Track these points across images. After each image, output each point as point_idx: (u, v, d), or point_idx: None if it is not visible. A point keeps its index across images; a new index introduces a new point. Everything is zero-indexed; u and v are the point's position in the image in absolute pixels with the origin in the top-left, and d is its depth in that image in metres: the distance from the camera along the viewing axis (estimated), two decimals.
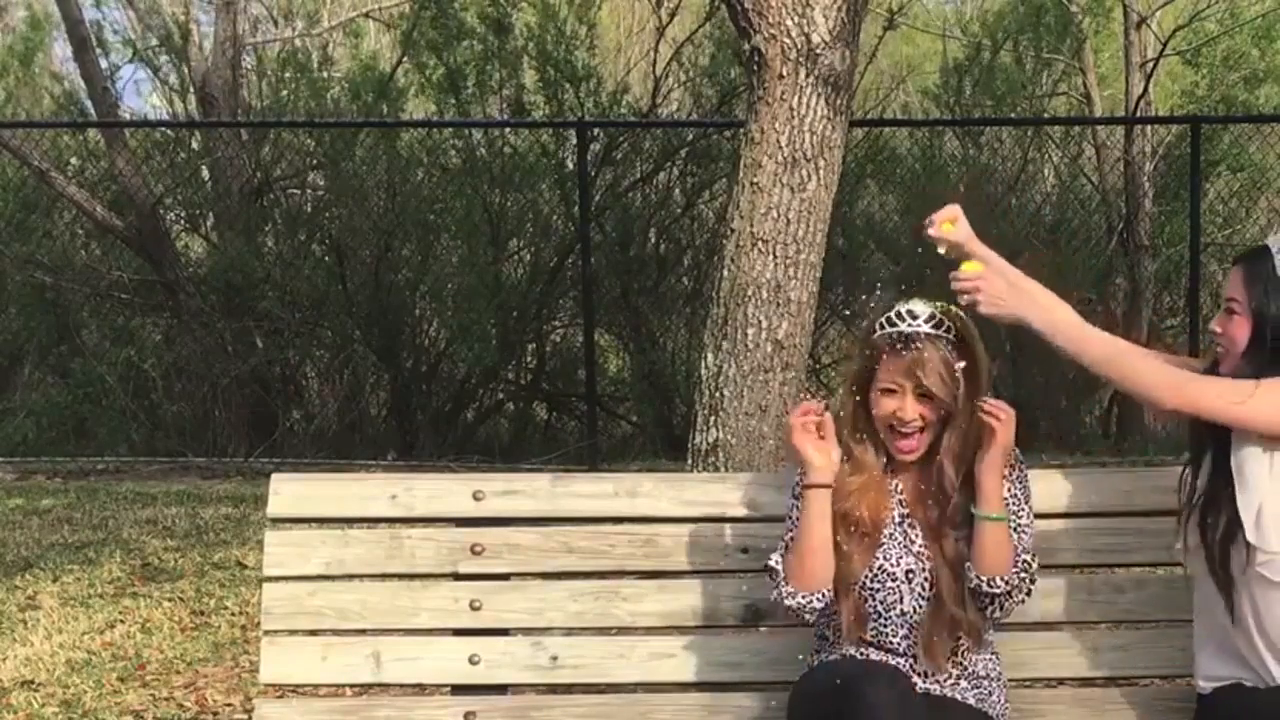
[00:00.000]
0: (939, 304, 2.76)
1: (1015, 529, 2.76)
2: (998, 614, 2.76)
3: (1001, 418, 2.69)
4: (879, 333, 2.75)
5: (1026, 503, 2.81)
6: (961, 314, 2.76)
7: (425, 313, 10.39)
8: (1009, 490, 2.77)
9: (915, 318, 2.72)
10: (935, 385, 2.69)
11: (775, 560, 2.77)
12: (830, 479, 2.74)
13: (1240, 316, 2.73)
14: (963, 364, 2.72)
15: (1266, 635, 2.71)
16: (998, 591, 2.72)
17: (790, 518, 2.82)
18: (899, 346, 2.71)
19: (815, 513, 2.72)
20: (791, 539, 2.77)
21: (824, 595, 2.74)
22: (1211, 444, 2.76)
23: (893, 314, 2.74)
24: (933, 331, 2.71)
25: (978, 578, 2.72)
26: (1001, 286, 2.74)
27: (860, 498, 2.77)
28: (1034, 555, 2.77)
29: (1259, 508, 2.66)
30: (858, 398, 2.78)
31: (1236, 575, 2.71)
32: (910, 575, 2.76)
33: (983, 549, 2.72)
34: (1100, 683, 3.05)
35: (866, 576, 2.76)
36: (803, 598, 2.73)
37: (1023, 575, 2.73)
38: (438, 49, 10.65)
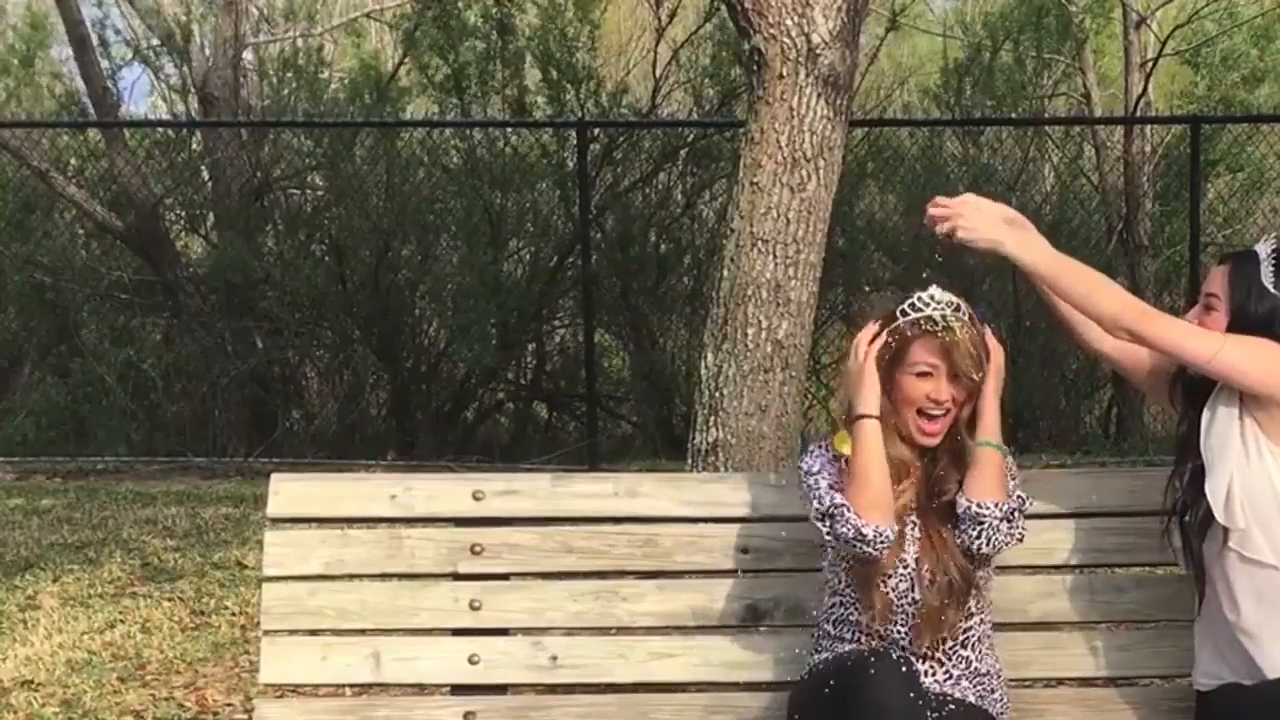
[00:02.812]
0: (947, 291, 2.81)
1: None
2: (984, 546, 2.75)
3: (996, 345, 2.81)
4: (905, 318, 2.77)
5: (1012, 478, 2.84)
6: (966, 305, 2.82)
7: (425, 313, 10.39)
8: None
9: (939, 301, 2.76)
10: (969, 366, 2.74)
11: (840, 498, 2.74)
12: (879, 412, 2.77)
13: (1218, 313, 2.77)
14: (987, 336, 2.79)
15: (1240, 615, 2.72)
16: (987, 514, 2.73)
17: (816, 482, 2.79)
18: (931, 330, 2.75)
19: (873, 442, 2.75)
20: (832, 489, 2.76)
21: (893, 528, 2.73)
22: (1191, 452, 2.78)
23: (916, 300, 2.77)
24: (956, 314, 2.76)
25: (968, 500, 2.74)
26: (978, 213, 2.75)
27: (898, 501, 2.78)
28: (1026, 496, 2.82)
29: (1228, 487, 2.69)
30: (884, 389, 2.80)
31: (1211, 563, 2.74)
32: (919, 562, 2.78)
33: (977, 475, 2.76)
34: (1100, 683, 3.05)
35: (891, 567, 2.77)
36: (878, 527, 2.71)
37: (1014, 508, 2.76)
38: (441, 49, 10.65)
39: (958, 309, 2.77)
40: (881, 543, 2.72)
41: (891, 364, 2.78)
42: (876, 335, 2.79)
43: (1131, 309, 2.73)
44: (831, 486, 2.78)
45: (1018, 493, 2.80)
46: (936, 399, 2.76)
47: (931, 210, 2.77)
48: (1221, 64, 11.82)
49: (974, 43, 11.98)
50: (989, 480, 2.76)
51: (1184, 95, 12.11)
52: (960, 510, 2.76)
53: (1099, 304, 2.74)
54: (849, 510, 2.72)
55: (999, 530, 2.75)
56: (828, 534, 2.75)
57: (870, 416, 2.76)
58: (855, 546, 2.72)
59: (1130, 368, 2.99)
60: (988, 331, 2.82)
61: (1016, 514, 2.77)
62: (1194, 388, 2.81)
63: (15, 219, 10.37)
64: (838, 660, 2.75)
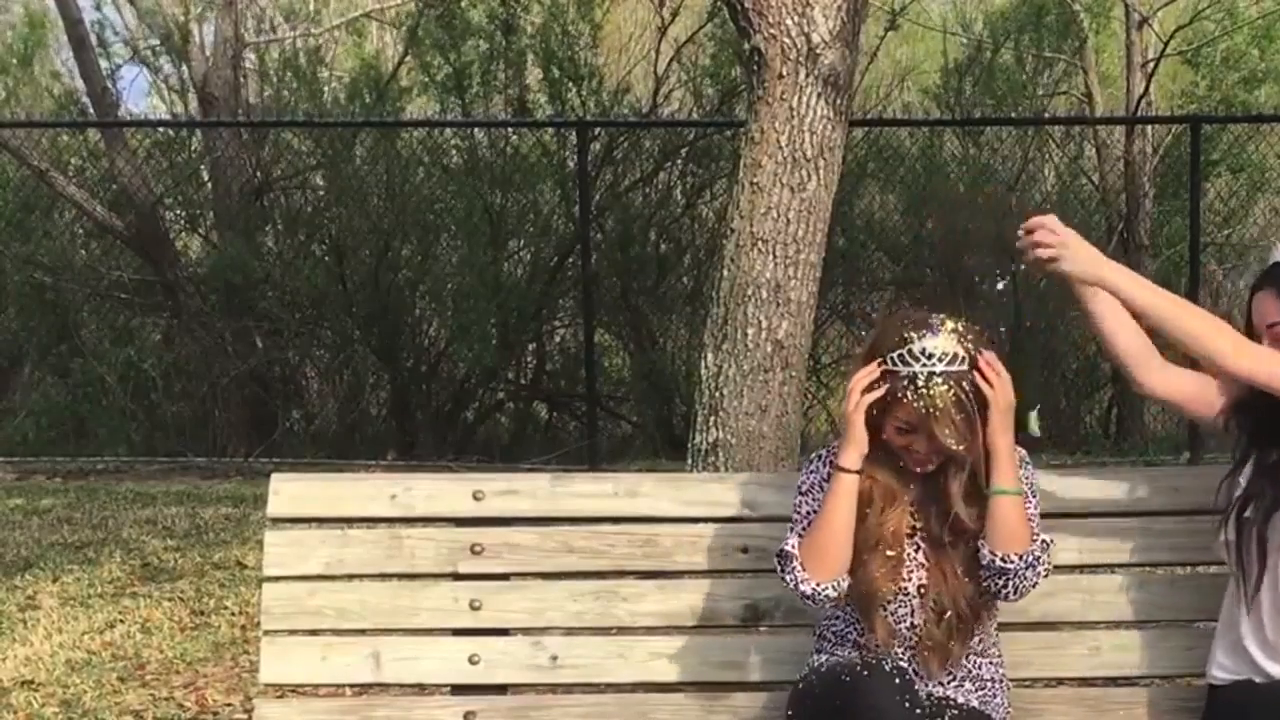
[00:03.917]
0: (951, 326, 2.66)
1: None
2: (1011, 595, 2.71)
3: (993, 382, 2.66)
4: (892, 368, 2.64)
5: (1032, 495, 2.79)
6: (974, 332, 2.68)
7: (425, 313, 10.40)
8: None
9: (930, 357, 2.62)
10: (947, 437, 2.63)
11: (792, 545, 2.72)
12: (860, 466, 2.69)
13: None
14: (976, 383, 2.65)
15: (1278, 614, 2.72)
16: (1011, 567, 2.67)
17: (800, 506, 2.78)
18: (911, 393, 2.62)
19: (844, 496, 2.68)
20: (807, 525, 2.73)
21: (839, 584, 2.69)
22: (1256, 449, 2.78)
23: (907, 352, 2.63)
24: (948, 369, 2.62)
25: (991, 553, 2.68)
26: (1082, 246, 2.67)
27: (888, 527, 2.73)
28: (1050, 539, 2.75)
29: None
30: (875, 425, 2.70)
31: (1272, 555, 2.72)
32: (922, 590, 2.74)
33: (997, 525, 2.68)
34: (1100, 683, 3.05)
35: (890, 594, 2.73)
36: (818, 584, 2.68)
37: (1038, 555, 2.70)
38: (443, 48, 10.65)
39: (952, 360, 2.62)
40: (820, 602, 2.70)
41: (879, 409, 2.67)
42: (873, 384, 2.64)
43: (1230, 347, 2.68)
44: (811, 513, 2.75)
45: (1041, 537, 2.72)
46: (917, 451, 2.69)
47: (1038, 236, 2.65)
48: (1222, 64, 11.82)
49: (974, 42, 11.98)
50: (1008, 530, 2.68)
51: (1184, 95, 12.11)
52: (984, 562, 2.69)
53: (1215, 344, 2.67)
54: (795, 562, 2.70)
55: (1025, 579, 2.69)
56: (779, 575, 2.73)
57: (848, 471, 2.68)
58: (798, 597, 2.72)
59: (1186, 403, 2.91)
60: (988, 362, 2.67)
61: (1039, 560, 2.70)
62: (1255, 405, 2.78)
63: (15, 219, 10.36)
64: (834, 668, 2.73)
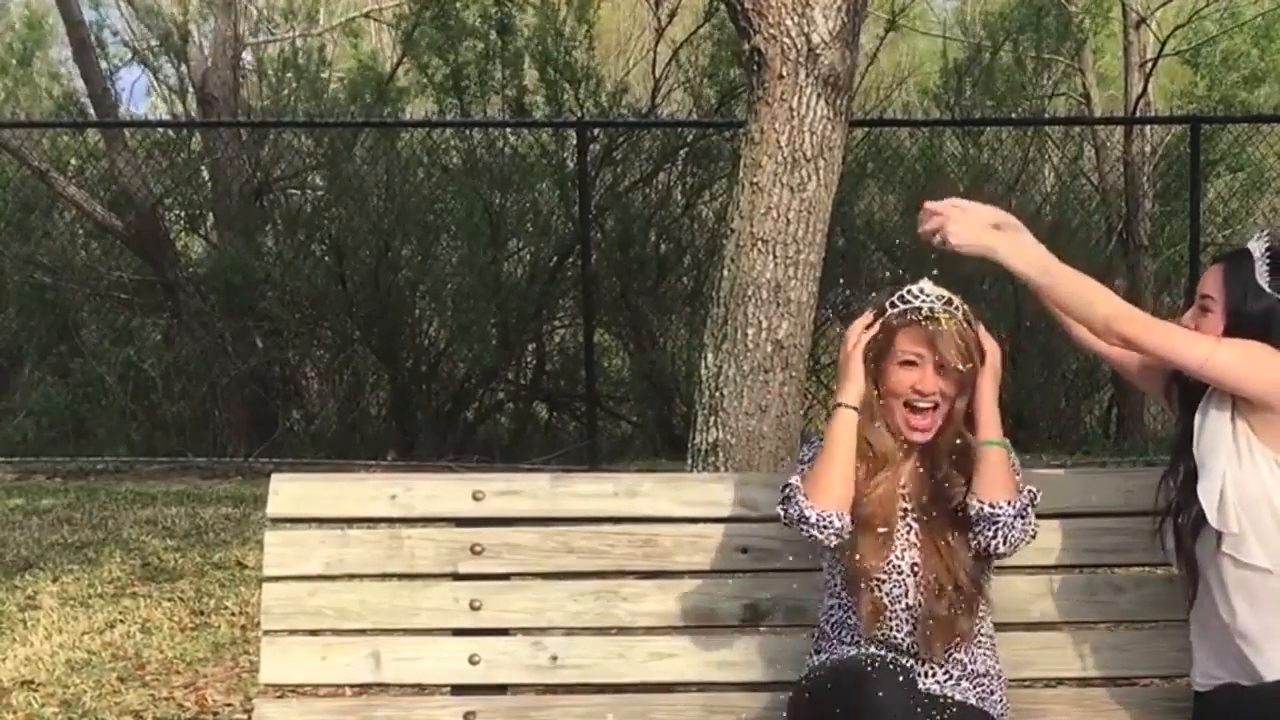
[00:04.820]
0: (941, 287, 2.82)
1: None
2: (1001, 546, 2.74)
3: (991, 340, 2.80)
4: (893, 310, 2.77)
5: (1017, 474, 2.83)
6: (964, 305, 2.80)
7: (425, 313, 10.40)
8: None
9: (928, 294, 2.77)
10: (954, 356, 2.73)
11: (796, 480, 2.76)
12: (858, 404, 2.76)
13: (1214, 315, 2.77)
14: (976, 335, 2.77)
15: (1235, 618, 2.72)
16: (1001, 513, 2.72)
17: (802, 469, 2.81)
18: (916, 320, 2.75)
19: (843, 428, 2.75)
20: (811, 463, 2.77)
21: (842, 516, 2.72)
22: (1186, 453, 2.79)
23: (904, 292, 2.78)
24: (948, 308, 2.76)
25: (979, 501, 2.73)
26: (966, 217, 2.73)
27: (878, 501, 2.78)
28: (1036, 490, 2.80)
29: (1220, 491, 2.68)
30: (873, 381, 2.79)
31: (1205, 566, 2.74)
32: (915, 569, 2.77)
33: (985, 475, 2.74)
34: (1100, 683, 3.05)
35: (879, 571, 2.76)
36: (822, 512, 2.71)
37: (1027, 504, 2.75)
38: (440, 49, 10.65)
39: (949, 302, 2.77)
40: (827, 528, 2.71)
41: (879, 356, 2.78)
42: (869, 325, 2.79)
43: (1123, 314, 2.72)
44: (812, 459, 2.80)
45: (1027, 488, 2.79)
46: (922, 390, 2.76)
47: (921, 217, 2.76)
48: (1221, 64, 11.83)
49: (974, 43, 11.99)
50: (997, 479, 2.74)
51: (1184, 95, 12.13)
52: (974, 512, 2.74)
53: (1091, 310, 2.73)
54: (799, 493, 2.73)
55: (1014, 528, 2.73)
56: (782, 516, 2.76)
57: (847, 406, 2.76)
58: (802, 530, 2.73)
59: (1127, 366, 3.00)
60: (982, 330, 2.81)
61: (1028, 510, 2.76)
62: (1189, 390, 2.81)
63: (15, 219, 10.36)
64: (836, 665, 2.74)
